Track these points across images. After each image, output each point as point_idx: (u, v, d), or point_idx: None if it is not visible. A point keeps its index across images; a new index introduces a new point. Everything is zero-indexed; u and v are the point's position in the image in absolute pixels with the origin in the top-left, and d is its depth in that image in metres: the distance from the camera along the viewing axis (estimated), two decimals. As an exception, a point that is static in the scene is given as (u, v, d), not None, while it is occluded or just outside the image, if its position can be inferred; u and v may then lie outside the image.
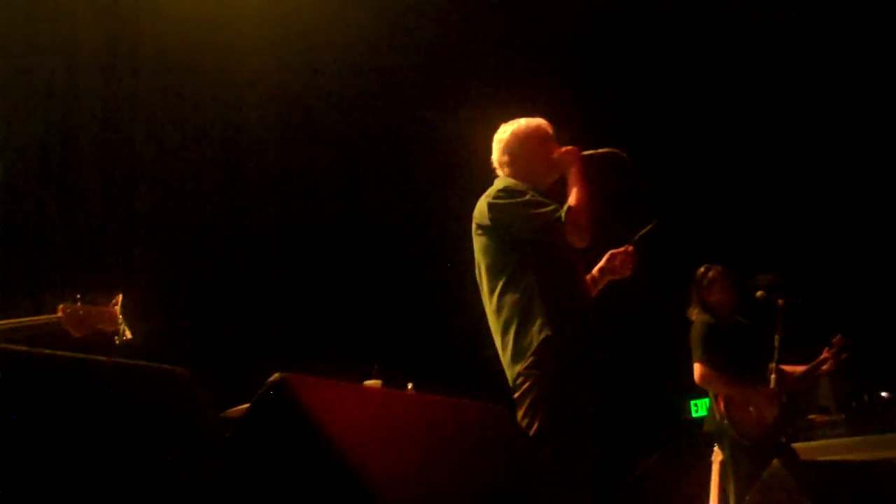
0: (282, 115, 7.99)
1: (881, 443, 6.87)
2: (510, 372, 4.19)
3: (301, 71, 7.81)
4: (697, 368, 6.30)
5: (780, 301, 6.35)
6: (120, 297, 4.92)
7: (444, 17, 7.99)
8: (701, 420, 7.07)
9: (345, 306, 7.95)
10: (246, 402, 4.46)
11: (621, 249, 4.58)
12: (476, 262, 4.40)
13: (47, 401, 2.10)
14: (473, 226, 4.37)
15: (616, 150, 4.46)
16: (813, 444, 7.08)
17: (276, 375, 2.43)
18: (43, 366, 2.22)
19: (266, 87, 7.73)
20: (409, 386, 5.14)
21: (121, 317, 4.90)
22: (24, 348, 2.24)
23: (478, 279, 4.41)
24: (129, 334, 4.84)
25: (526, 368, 4.09)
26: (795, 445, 6.51)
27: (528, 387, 4.08)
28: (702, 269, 6.47)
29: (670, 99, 8.27)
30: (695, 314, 6.42)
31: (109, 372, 2.31)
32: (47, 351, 2.19)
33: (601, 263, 4.63)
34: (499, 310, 4.24)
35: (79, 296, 3.75)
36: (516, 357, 4.15)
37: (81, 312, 3.80)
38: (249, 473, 2.36)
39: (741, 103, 8.17)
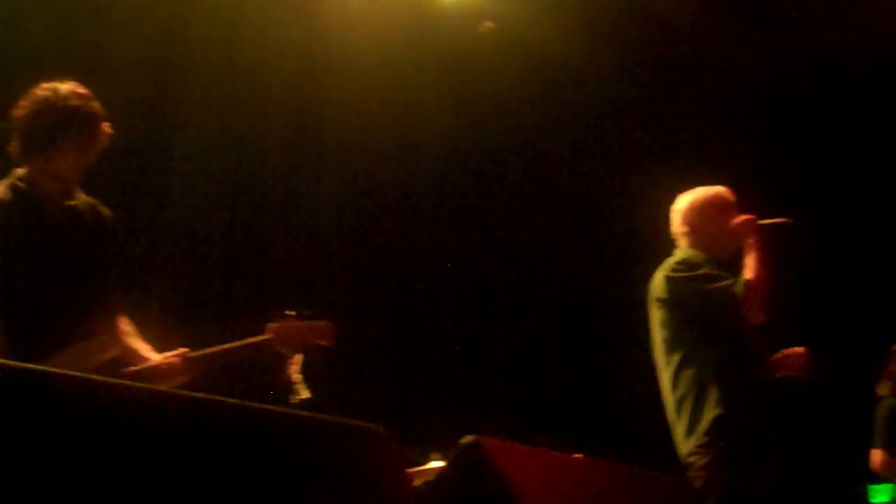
0: (463, 174, 8.11)
1: None
2: (682, 449, 4.10)
3: (482, 131, 7.91)
4: (877, 455, 6.06)
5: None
6: (300, 358, 5.02)
7: (630, 84, 7.99)
8: (880, 506, 6.76)
9: (516, 372, 7.96)
10: (415, 458, 4.50)
11: (796, 350, 4.38)
12: (651, 334, 4.34)
13: (253, 450, 2.15)
14: (650, 298, 4.32)
15: (790, 220, 4.34)
16: None
17: (469, 438, 2.43)
18: (244, 416, 2.27)
19: (444, 149, 7.87)
20: (579, 456, 5.08)
21: (300, 376, 4.99)
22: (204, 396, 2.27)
23: (653, 352, 4.34)
24: (305, 394, 4.91)
25: (699, 447, 4.00)
26: None
27: (701, 466, 3.99)
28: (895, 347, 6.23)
29: (857, 170, 8.07)
30: (883, 391, 6.16)
31: (307, 426, 2.36)
32: (252, 404, 2.24)
33: (776, 356, 4.42)
34: (675, 384, 4.17)
35: (287, 312, 3.67)
36: (689, 434, 4.05)
37: (293, 329, 3.66)
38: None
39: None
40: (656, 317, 4.28)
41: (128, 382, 2.63)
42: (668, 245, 4.50)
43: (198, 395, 2.28)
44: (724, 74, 7.83)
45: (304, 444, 2.30)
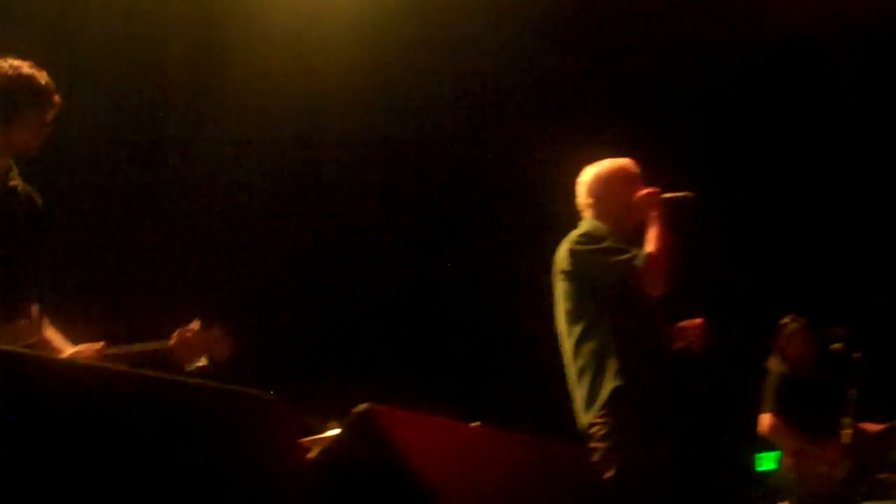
0: (364, 137, 8.02)
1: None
2: (582, 419, 4.15)
3: (387, 101, 7.83)
4: (766, 420, 6.25)
5: (856, 355, 6.24)
6: (197, 324, 4.94)
7: (537, 56, 7.99)
8: (767, 473, 6.96)
9: (413, 341, 7.96)
10: (315, 427, 4.47)
11: (693, 322, 4.41)
12: (555, 305, 4.36)
13: (141, 419, 2.11)
14: (555, 269, 4.34)
15: (693, 194, 4.39)
16: (885, 503, 6.91)
17: (363, 406, 2.42)
18: (137, 386, 2.23)
19: (352, 111, 7.77)
20: (476, 424, 5.10)
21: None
22: (115, 367, 2.26)
23: (557, 323, 4.37)
24: (203, 361, 4.85)
25: (597, 417, 4.05)
26: (867, 504, 6.36)
27: (600, 437, 4.03)
28: (784, 321, 6.42)
29: (754, 147, 8.24)
30: (773, 364, 6.35)
31: (201, 394, 2.33)
32: (148, 371, 2.21)
33: (674, 328, 4.46)
34: (575, 356, 4.21)
35: (194, 322, 3.68)
36: (589, 405, 4.10)
37: (194, 339, 3.67)
38: (333, 502, 2.35)
39: (826, 156, 8.10)
40: (560, 288, 4.31)
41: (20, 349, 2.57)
42: (573, 217, 4.51)
43: (90, 363, 2.24)
44: (635, 49, 7.89)
45: (198, 411, 2.27)
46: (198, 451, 2.16)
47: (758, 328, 6.69)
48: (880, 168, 7.91)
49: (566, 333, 4.26)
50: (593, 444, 4.03)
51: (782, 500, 6.32)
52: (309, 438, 4.29)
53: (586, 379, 4.12)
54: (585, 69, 8.02)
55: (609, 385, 4.04)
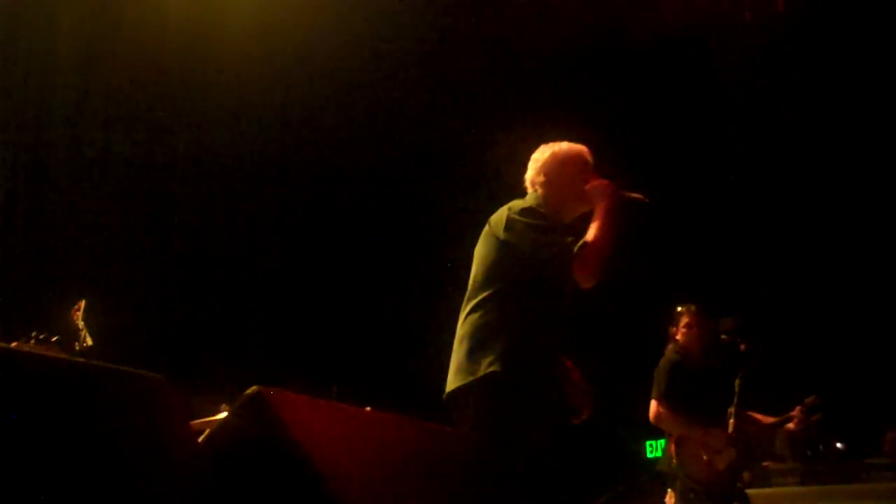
0: (264, 118, 7.97)
1: (833, 494, 6.92)
2: (449, 382, 4.02)
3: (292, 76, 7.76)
4: (653, 406, 6.33)
5: (742, 346, 6.38)
6: (83, 304, 4.85)
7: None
8: (656, 460, 7.08)
9: (307, 326, 7.92)
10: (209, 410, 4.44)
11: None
12: (474, 262, 4.21)
13: (25, 399, 2.06)
14: (487, 228, 4.18)
15: (647, 198, 4.27)
16: (766, 491, 7.11)
17: (253, 388, 2.40)
18: (16, 364, 2.17)
19: (255, 96, 7.71)
20: (367, 409, 5.11)
21: (82, 323, 4.82)
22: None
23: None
24: (89, 341, 4.76)
25: (466, 385, 3.93)
26: (749, 492, 6.52)
27: (462, 410, 3.93)
28: (678, 308, 6.52)
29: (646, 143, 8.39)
30: (668, 351, 6.45)
31: (87, 374, 2.28)
32: (25, 349, 2.15)
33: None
34: (463, 320, 4.08)
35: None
36: (458, 374, 3.98)
37: None
38: (221, 485, 2.33)
39: (717, 152, 8.28)
40: (483, 248, 4.17)
41: None
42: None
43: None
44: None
45: (84, 392, 2.22)
46: (84, 432, 2.12)
47: (655, 317, 6.78)
48: (773, 166, 8.12)
49: (469, 293, 4.13)
50: (454, 414, 3.95)
51: (669, 487, 6.44)
52: (200, 421, 4.27)
53: (465, 347, 3.99)
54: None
55: (485, 366, 3.89)
